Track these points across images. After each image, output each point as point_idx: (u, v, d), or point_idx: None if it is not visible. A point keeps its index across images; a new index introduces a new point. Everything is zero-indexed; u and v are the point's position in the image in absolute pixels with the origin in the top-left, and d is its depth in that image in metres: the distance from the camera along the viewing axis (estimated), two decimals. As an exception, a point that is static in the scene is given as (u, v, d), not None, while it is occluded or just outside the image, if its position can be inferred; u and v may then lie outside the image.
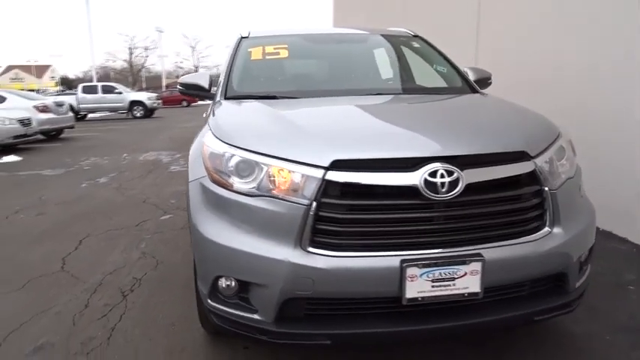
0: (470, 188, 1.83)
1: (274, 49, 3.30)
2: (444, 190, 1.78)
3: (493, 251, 1.85)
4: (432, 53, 3.42)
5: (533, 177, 1.94)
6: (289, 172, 1.85)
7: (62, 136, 14.46)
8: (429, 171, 1.79)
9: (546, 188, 1.94)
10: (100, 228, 4.67)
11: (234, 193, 1.94)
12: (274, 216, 1.84)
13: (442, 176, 1.78)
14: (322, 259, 1.78)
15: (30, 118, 11.41)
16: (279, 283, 1.81)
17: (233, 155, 1.98)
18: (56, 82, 70.31)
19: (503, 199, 1.90)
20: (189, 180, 2.19)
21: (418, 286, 1.80)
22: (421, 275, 1.79)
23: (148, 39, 74.19)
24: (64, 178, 7.67)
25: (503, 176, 1.88)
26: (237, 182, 1.93)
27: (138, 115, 23.75)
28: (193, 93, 3.13)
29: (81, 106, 23.14)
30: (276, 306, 1.84)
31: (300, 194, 1.81)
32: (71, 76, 72.75)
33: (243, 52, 3.28)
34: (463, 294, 1.83)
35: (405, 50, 3.53)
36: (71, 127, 14.75)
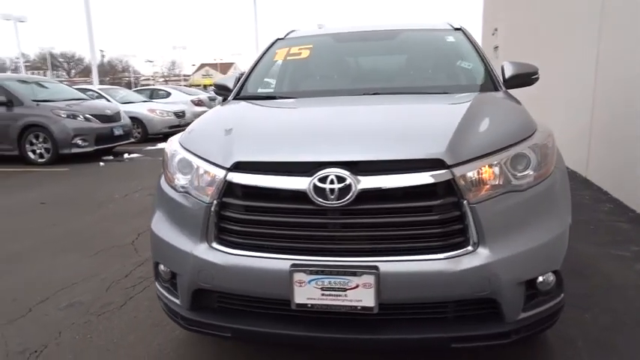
0: (369, 196, 1.74)
1: (298, 49, 3.38)
2: (333, 196, 1.73)
3: (393, 265, 1.74)
4: (464, 48, 3.16)
5: (449, 188, 1.75)
6: (204, 171, 1.97)
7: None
8: (320, 176, 1.75)
9: (465, 202, 1.74)
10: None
11: (170, 189, 2.12)
12: (187, 211, 1.98)
13: (332, 182, 1.73)
14: (220, 255, 1.87)
15: (184, 111, 13.12)
16: (187, 273, 1.95)
17: (177, 154, 2.16)
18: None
19: (407, 209, 1.76)
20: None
21: (307, 293, 1.78)
22: (309, 282, 1.77)
23: None
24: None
25: (406, 185, 1.74)
26: (179, 179, 2.10)
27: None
28: (223, 93, 3.38)
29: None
30: (188, 294, 1.98)
31: (207, 193, 1.92)
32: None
33: (270, 54, 3.43)
34: (356, 307, 1.76)
35: (438, 45, 3.31)
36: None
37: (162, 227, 2.11)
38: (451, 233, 1.76)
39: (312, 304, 1.78)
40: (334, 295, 1.76)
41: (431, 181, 1.74)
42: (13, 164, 9.01)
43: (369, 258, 1.75)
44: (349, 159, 1.77)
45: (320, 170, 1.76)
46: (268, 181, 1.83)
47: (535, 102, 9.04)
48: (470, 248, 1.76)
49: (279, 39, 3.63)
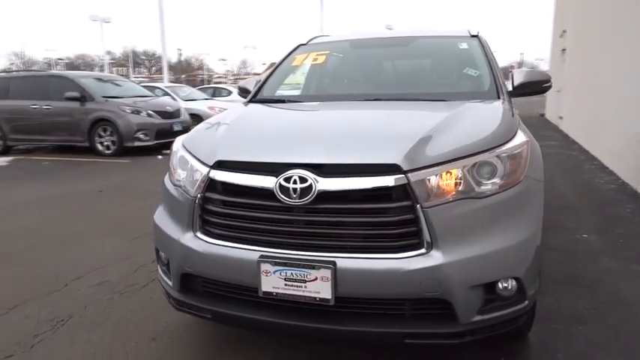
0: (329, 196, 1.88)
1: (316, 55, 3.54)
2: (295, 195, 1.89)
3: (350, 262, 1.87)
4: (475, 55, 3.19)
5: (404, 192, 1.85)
6: (195, 168, 2.19)
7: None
8: (285, 177, 1.91)
9: (419, 206, 1.83)
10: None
11: (170, 184, 2.37)
12: (179, 203, 2.21)
13: (295, 182, 1.89)
14: (201, 244, 2.09)
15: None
16: (176, 258, 2.19)
17: (178, 152, 2.41)
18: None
19: (364, 210, 1.88)
20: None
21: (273, 282, 1.95)
22: (274, 272, 1.94)
23: None
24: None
25: (362, 187, 1.86)
26: (179, 174, 2.34)
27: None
28: (244, 95, 3.62)
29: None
30: (177, 278, 2.22)
31: (194, 187, 2.14)
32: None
33: (290, 59, 3.62)
34: (315, 298, 1.91)
35: (449, 52, 3.36)
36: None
37: (162, 218, 2.36)
38: (405, 235, 1.87)
39: (276, 293, 1.95)
40: (296, 286, 1.93)
41: (386, 184, 1.85)
42: (84, 155, 9.86)
43: (328, 254, 1.89)
44: (311, 161, 1.93)
45: (287, 171, 1.93)
46: (242, 179, 2.02)
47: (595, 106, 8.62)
48: (423, 250, 1.85)
49: (301, 44, 3.81)
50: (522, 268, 1.96)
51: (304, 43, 3.83)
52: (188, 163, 2.26)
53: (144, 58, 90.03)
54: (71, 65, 78.21)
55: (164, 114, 10.38)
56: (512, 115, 2.46)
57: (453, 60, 3.30)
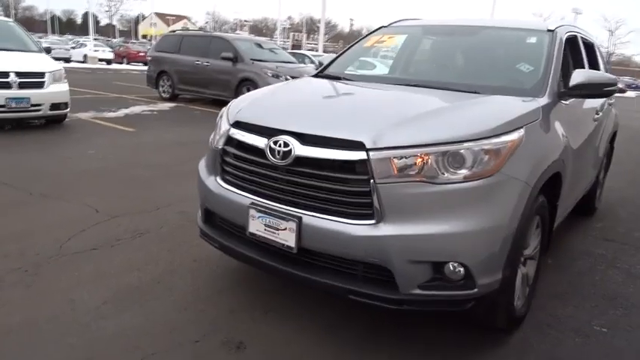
0: (305, 162, 2.21)
1: (388, 37, 3.74)
2: (279, 156, 2.25)
3: (313, 219, 2.20)
4: (539, 51, 3.09)
5: (364, 167, 2.09)
6: (224, 125, 2.67)
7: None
8: (274, 140, 2.28)
9: (373, 181, 2.06)
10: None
11: (211, 138, 2.89)
12: (212, 153, 2.72)
13: (280, 146, 2.25)
14: (216, 186, 2.58)
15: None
16: (201, 194, 2.73)
17: (222, 112, 2.91)
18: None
19: (330, 178, 2.16)
20: None
21: (256, 225, 2.37)
22: (258, 217, 2.36)
23: (562, 20, 68.33)
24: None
25: (330, 158, 2.14)
26: (217, 130, 2.82)
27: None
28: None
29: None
30: (202, 211, 2.76)
31: (219, 141, 2.62)
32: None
33: (365, 40, 3.88)
34: (283, 244, 2.28)
35: (513, 46, 3.29)
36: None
37: (202, 165, 2.89)
38: (360, 204, 2.12)
39: (259, 235, 2.37)
40: (271, 232, 2.32)
41: (349, 158, 2.12)
42: (228, 109, 11.18)
43: (297, 209, 2.24)
44: (295, 130, 2.26)
45: (277, 135, 2.30)
46: (247, 137, 2.44)
47: None
48: (373, 221, 2.09)
49: (383, 26, 4.02)
50: (471, 255, 2.08)
51: (386, 25, 4.03)
52: (222, 120, 2.75)
53: (319, 25, 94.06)
54: (255, 28, 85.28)
55: (301, 80, 11.18)
56: (541, 114, 2.50)
57: (511, 54, 3.24)
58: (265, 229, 2.34)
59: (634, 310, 2.94)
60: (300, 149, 2.21)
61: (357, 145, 2.12)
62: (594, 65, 4.22)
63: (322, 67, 3.71)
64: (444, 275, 2.12)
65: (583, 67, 3.58)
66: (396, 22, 4.07)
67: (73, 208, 4.10)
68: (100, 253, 3.29)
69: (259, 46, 12.38)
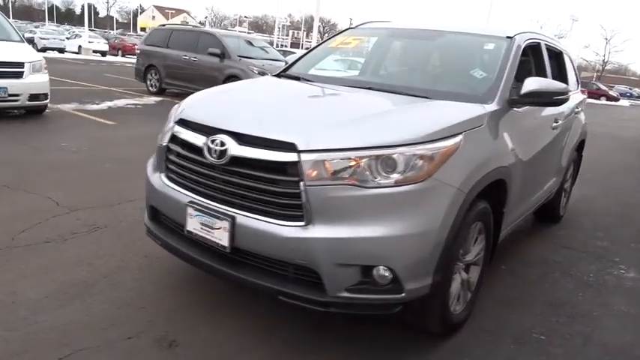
0: (240, 162, 2.21)
1: (353, 39, 3.75)
2: (215, 155, 2.25)
3: (245, 219, 2.20)
4: (494, 57, 3.10)
5: (295, 169, 2.09)
6: (169, 122, 2.67)
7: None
8: (212, 139, 2.28)
9: (302, 182, 2.07)
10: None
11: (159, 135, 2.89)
12: (158, 149, 2.71)
13: (217, 145, 2.25)
14: (159, 183, 2.58)
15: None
16: (147, 192, 2.73)
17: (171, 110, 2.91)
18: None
19: (263, 178, 2.16)
20: None
21: (193, 224, 2.37)
22: (195, 216, 2.36)
23: (559, 27, 68.09)
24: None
25: (263, 158, 2.15)
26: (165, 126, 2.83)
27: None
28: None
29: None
30: (148, 207, 2.76)
31: (165, 137, 2.62)
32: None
33: (331, 40, 3.88)
34: (217, 243, 2.28)
35: (469, 51, 3.30)
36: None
37: (150, 162, 2.89)
38: (290, 206, 2.13)
39: (195, 233, 2.37)
40: (207, 230, 2.32)
41: (281, 159, 2.12)
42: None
43: (232, 209, 2.25)
44: (232, 130, 2.26)
45: (215, 134, 2.29)
46: (187, 135, 2.45)
47: None
48: (302, 223, 2.10)
49: (350, 28, 4.03)
50: (398, 260, 2.09)
51: (354, 26, 4.03)
52: (169, 117, 2.74)
53: (320, 24, 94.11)
54: (255, 24, 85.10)
55: (287, 78, 11.17)
56: (487, 121, 2.52)
57: (468, 59, 3.25)
58: (202, 228, 2.34)
59: (577, 318, 2.96)
60: (236, 149, 2.21)
61: (289, 147, 2.12)
62: (561, 73, 4.24)
63: (286, 66, 3.71)
64: (372, 279, 2.13)
65: (545, 75, 3.60)
66: (363, 23, 4.08)
67: (33, 200, 4.08)
68: (51, 247, 3.28)
69: (249, 43, 12.36)
